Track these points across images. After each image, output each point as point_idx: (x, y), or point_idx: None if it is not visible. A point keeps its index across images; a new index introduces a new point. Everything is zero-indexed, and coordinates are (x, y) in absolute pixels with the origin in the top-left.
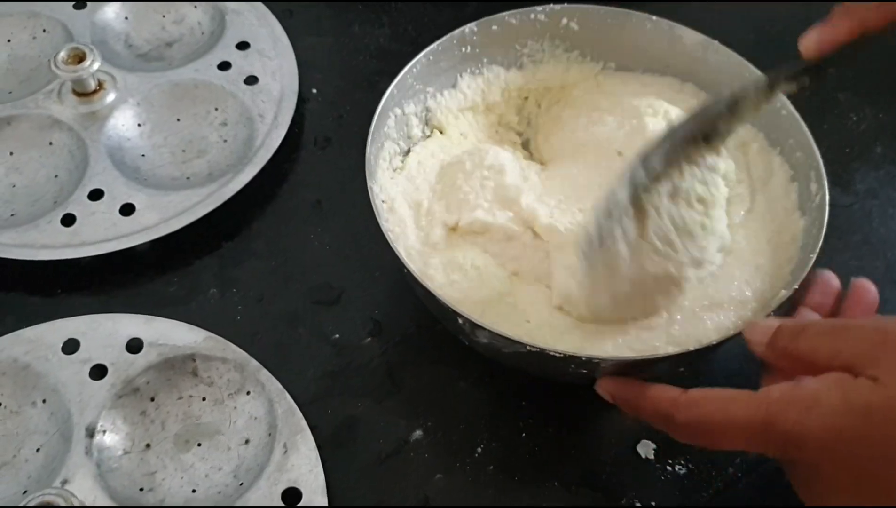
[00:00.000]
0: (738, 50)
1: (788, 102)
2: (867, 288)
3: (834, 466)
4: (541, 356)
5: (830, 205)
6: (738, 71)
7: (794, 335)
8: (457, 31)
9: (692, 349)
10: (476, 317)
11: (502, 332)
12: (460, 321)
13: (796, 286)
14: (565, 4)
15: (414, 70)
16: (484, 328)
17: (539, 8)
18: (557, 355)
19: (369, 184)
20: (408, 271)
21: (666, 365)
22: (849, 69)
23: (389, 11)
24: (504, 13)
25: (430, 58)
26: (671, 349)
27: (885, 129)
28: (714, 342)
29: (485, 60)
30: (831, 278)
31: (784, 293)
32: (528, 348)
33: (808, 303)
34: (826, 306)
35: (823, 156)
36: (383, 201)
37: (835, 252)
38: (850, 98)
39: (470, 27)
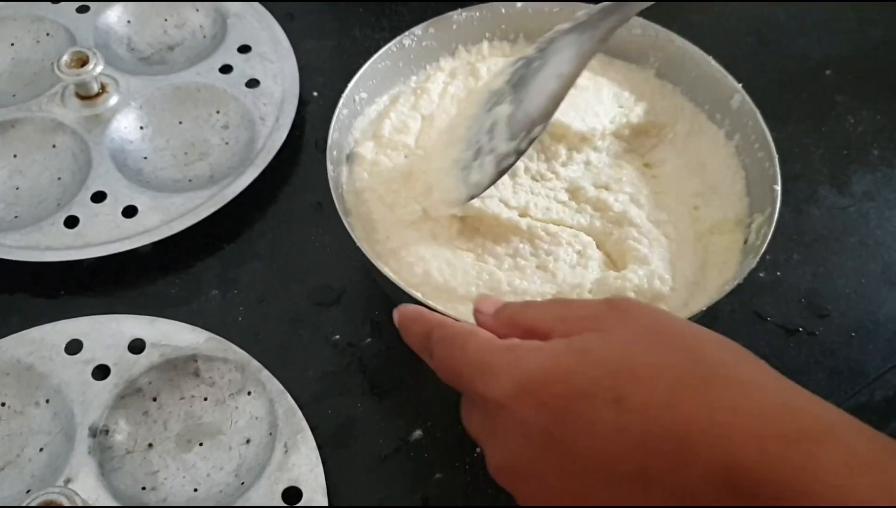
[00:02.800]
0: (738, 49)
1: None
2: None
3: (535, 407)
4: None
5: (827, 207)
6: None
7: (524, 306)
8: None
9: None
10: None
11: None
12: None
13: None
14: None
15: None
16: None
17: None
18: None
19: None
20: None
21: None
22: (847, 72)
23: (389, 15)
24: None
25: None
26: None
27: (882, 131)
28: None
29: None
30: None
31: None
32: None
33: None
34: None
35: (821, 158)
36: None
37: (832, 254)
38: (848, 101)
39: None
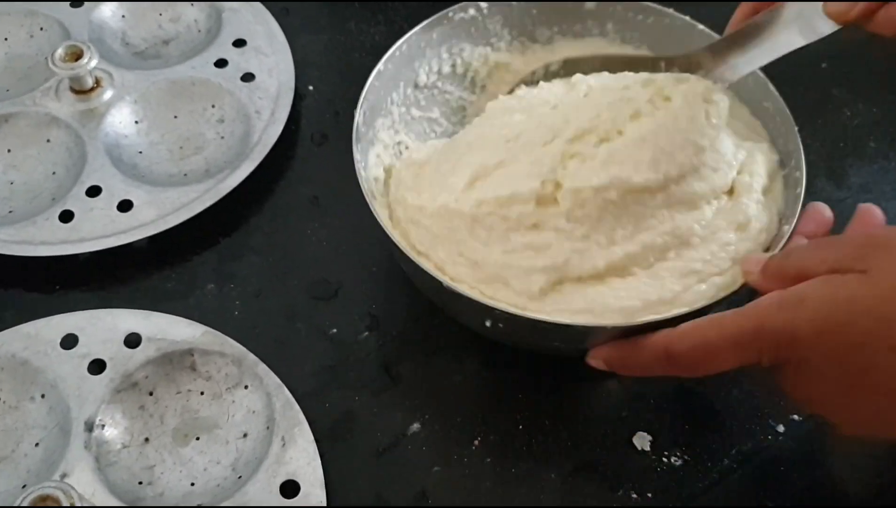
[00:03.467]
0: None
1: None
2: (873, 212)
3: (821, 358)
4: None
5: (824, 200)
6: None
7: (784, 256)
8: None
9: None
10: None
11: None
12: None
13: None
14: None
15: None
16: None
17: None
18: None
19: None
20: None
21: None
22: (843, 65)
23: (385, 9)
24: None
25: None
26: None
27: (878, 124)
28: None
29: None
30: (824, 209)
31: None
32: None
33: (801, 232)
34: (819, 236)
35: (817, 151)
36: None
37: None
38: (844, 94)
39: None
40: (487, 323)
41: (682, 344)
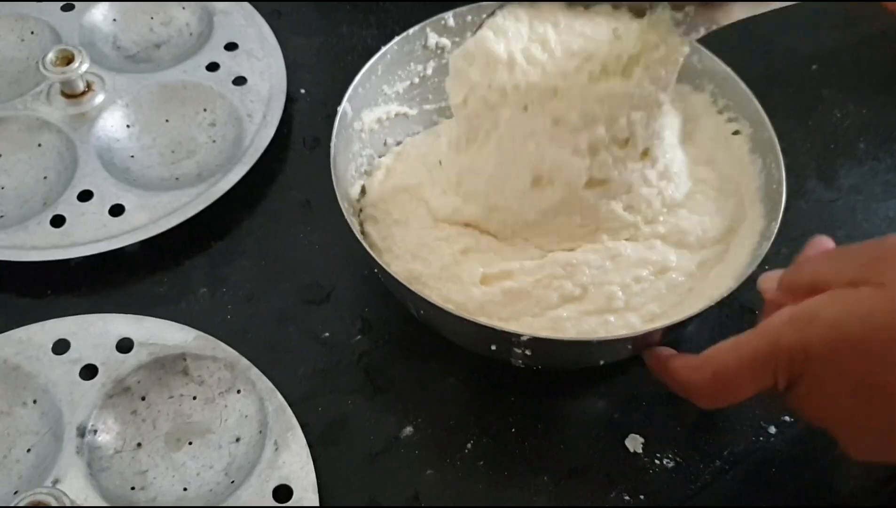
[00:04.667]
0: (724, 44)
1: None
2: (824, 242)
3: (836, 374)
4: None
5: (815, 201)
6: None
7: (797, 267)
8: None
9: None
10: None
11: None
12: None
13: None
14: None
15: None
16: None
17: None
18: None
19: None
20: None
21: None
22: (833, 66)
23: (377, 12)
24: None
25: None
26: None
27: (868, 125)
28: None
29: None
30: (827, 242)
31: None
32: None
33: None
34: None
35: (808, 152)
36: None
37: None
38: (835, 95)
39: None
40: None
41: (700, 376)
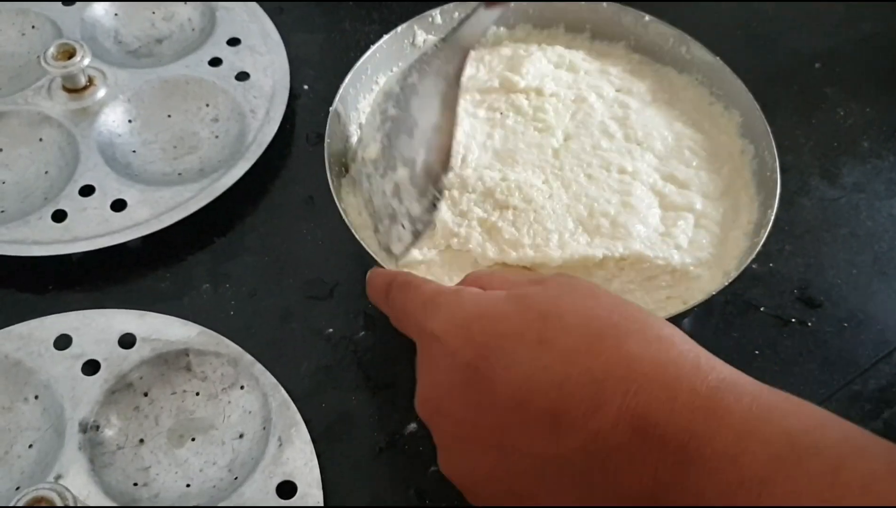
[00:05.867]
0: (727, 43)
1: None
2: None
3: (443, 353)
4: None
5: (818, 199)
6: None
7: (484, 271)
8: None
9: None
10: None
11: None
12: None
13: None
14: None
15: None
16: None
17: None
18: None
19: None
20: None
21: None
22: (837, 64)
23: (380, 8)
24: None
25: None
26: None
27: (872, 123)
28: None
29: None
30: None
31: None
32: None
33: None
34: None
35: (811, 150)
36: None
37: (823, 245)
38: (838, 93)
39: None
40: None
41: (397, 280)
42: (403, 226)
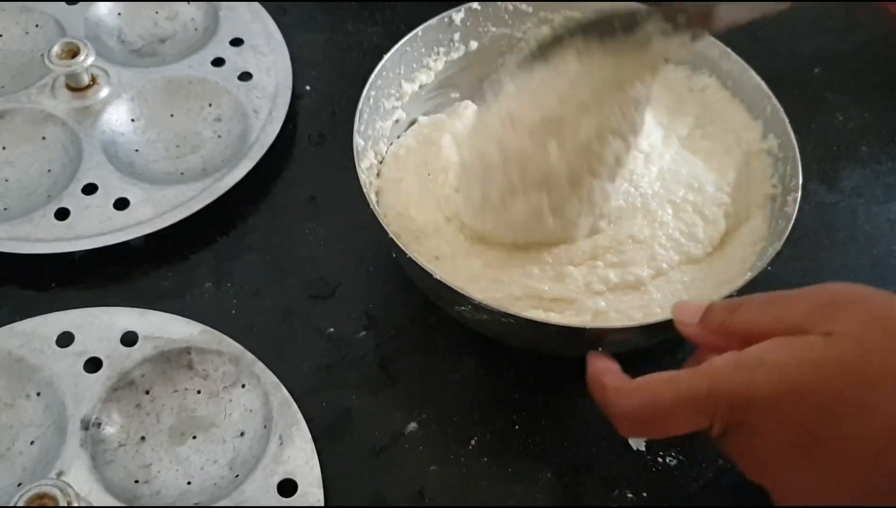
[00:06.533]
0: (728, 47)
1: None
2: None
3: (778, 423)
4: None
5: (817, 203)
6: None
7: (731, 310)
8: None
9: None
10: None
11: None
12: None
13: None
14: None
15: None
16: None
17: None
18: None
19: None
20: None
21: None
22: (836, 69)
23: (382, 9)
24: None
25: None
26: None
27: (870, 128)
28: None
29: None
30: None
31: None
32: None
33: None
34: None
35: (810, 154)
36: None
37: (821, 249)
38: (837, 98)
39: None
40: (480, 317)
41: (626, 401)
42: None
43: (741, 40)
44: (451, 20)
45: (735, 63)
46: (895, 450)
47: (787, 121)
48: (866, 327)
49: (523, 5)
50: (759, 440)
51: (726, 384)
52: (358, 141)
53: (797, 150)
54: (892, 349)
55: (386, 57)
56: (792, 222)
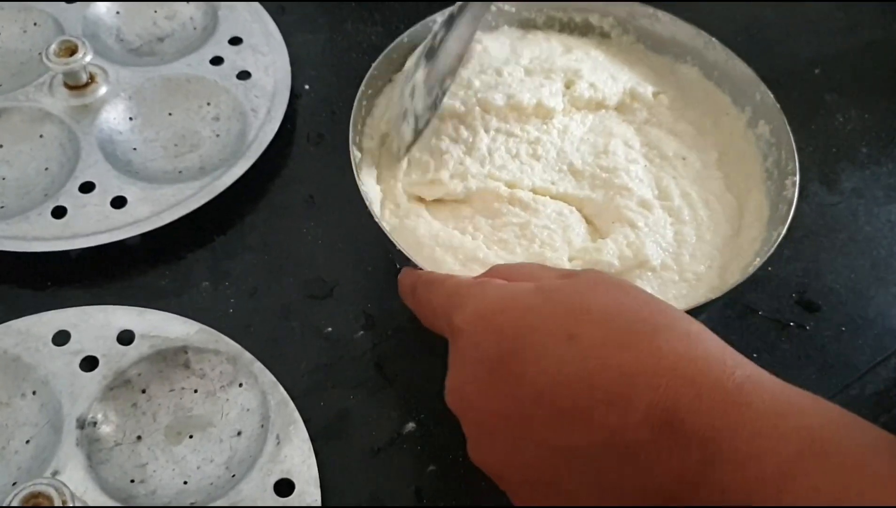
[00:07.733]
0: (728, 48)
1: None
2: None
3: (474, 347)
4: None
5: (817, 204)
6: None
7: (506, 264)
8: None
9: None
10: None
11: None
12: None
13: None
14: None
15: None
16: None
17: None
18: None
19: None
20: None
21: None
22: (836, 71)
23: (381, 9)
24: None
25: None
26: None
27: (870, 129)
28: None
29: None
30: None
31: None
32: None
33: None
34: None
35: (810, 156)
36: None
37: (822, 250)
38: (837, 99)
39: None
40: None
41: (422, 278)
42: (408, 123)
43: (740, 42)
44: (436, 23)
45: (720, 52)
46: (588, 378)
47: (777, 106)
48: (599, 280)
49: (506, 6)
50: (458, 363)
51: (465, 288)
52: (355, 154)
53: (790, 134)
54: (612, 295)
55: (374, 65)
56: (793, 207)
